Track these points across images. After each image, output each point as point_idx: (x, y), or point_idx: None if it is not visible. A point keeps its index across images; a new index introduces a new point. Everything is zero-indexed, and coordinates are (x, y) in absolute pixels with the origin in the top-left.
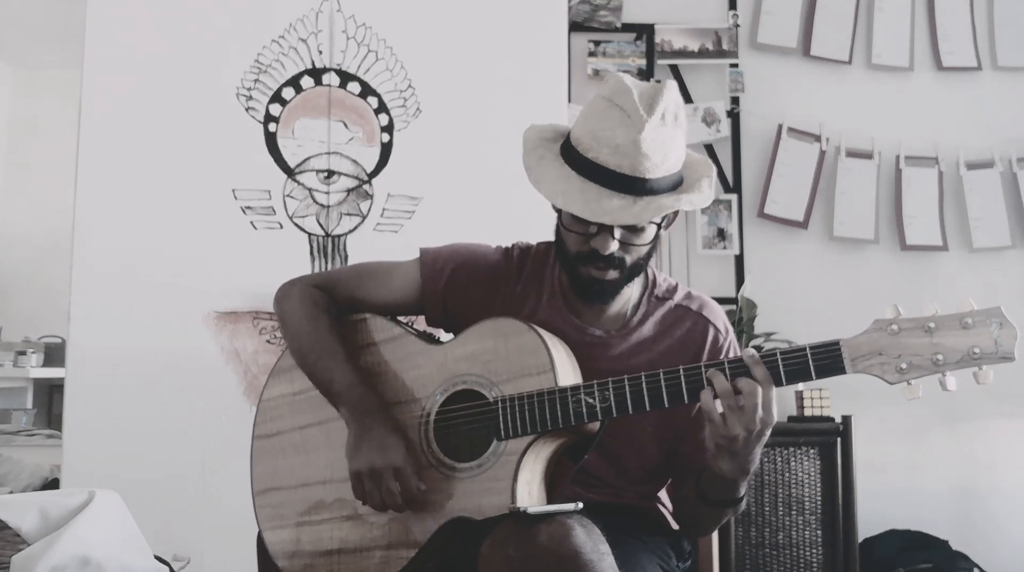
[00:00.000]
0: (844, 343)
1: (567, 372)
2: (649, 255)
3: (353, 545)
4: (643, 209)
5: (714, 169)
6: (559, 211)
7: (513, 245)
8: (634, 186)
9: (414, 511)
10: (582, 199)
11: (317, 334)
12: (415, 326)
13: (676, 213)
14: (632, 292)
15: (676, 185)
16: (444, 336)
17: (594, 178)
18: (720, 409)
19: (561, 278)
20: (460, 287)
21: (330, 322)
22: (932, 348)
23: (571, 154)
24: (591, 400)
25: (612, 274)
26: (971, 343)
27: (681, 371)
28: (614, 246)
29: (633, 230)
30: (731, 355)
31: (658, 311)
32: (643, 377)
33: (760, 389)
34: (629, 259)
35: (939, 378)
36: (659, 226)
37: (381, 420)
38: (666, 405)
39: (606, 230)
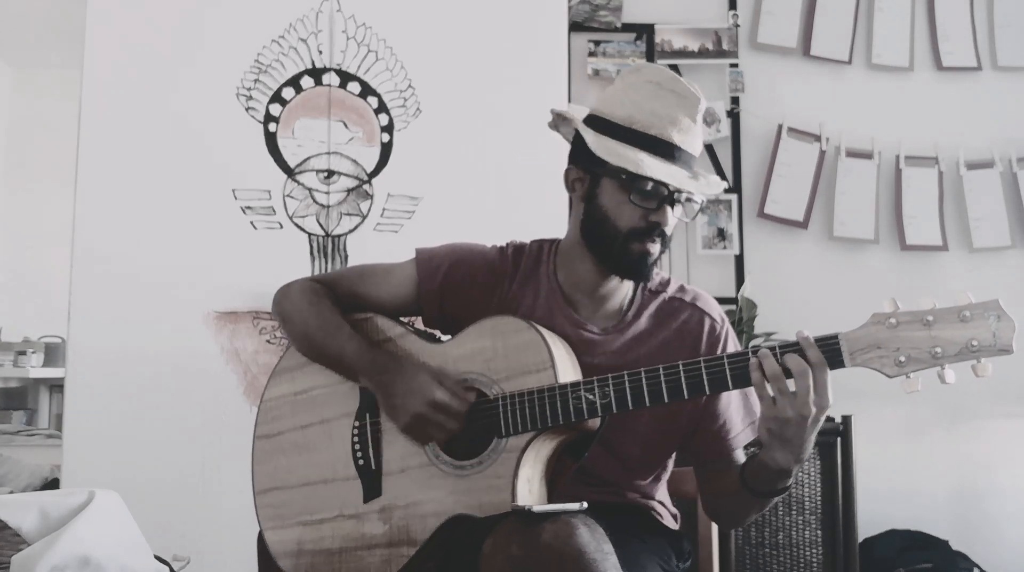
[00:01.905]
0: (843, 337)
1: (567, 369)
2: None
3: (354, 544)
4: (705, 182)
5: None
6: (597, 191)
7: (508, 243)
8: (691, 162)
9: (416, 508)
10: (660, 168)
11: (321, 316)
12: (415, 326)
13: None
14: (627, 287)
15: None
16: (445, 336)
17: (658, 152)
18: (771, 392)
19: (557, 275)
20: (456, 286)
21: (332, 306)
22: (930, 341)
23: (618, 131)
24: (591, 396)
25: (659, 248)
26: (969, 336)
27: (680, 366)
28: (672, 221)
29: (691, 205)
30: (729, 344)
31: (652, 304)
32: (643, 373)
33: (812, 371)
34: (668, 235)
35: (937, 371)
36: None
37: (399, 370)
38: (666, 400)
39: (666, 204)
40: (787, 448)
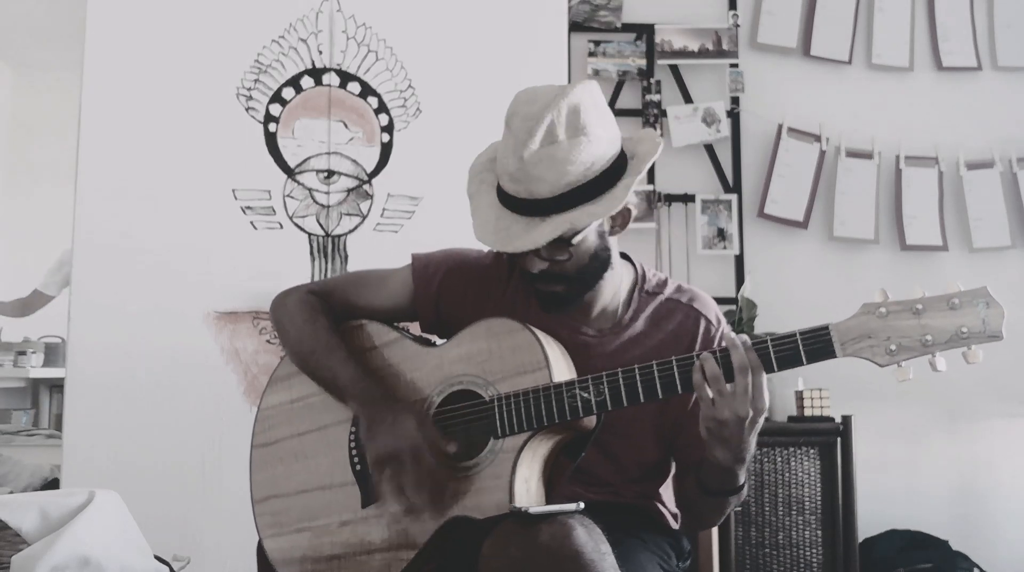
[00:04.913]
0: (833, 327)
1: (562, 368)
2: (598, 258)
3: (353, 549)
4: (543, 231)
5: (653, 154)
6: None
7: None
8: (534, 208)
9: (417, 509)
10: (494, 227)
11: (316, 334)
12: (411, 331)
13: (625, 212)
14: (621, 289)
15: (601, 189)
16: (439, 340)
17: (505, 204)
18: (711, 394)
19: None
20: (452, 290)
21: (328, 323)
22: (921, 329)
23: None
24: (586, 394)
25: (558, 287)
26: (959, 323)
27: (674, 361)
28: (540, 265)
29: (558, 246)
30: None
31: (649, 306)
32: (636, 369)
33: (750, 374)
34: (572, 268)
35: (928, 359)
36: (602, 232)
37: (389, 407)
38: (660, 396)
39: (529, 251)
40: (726, 447)
